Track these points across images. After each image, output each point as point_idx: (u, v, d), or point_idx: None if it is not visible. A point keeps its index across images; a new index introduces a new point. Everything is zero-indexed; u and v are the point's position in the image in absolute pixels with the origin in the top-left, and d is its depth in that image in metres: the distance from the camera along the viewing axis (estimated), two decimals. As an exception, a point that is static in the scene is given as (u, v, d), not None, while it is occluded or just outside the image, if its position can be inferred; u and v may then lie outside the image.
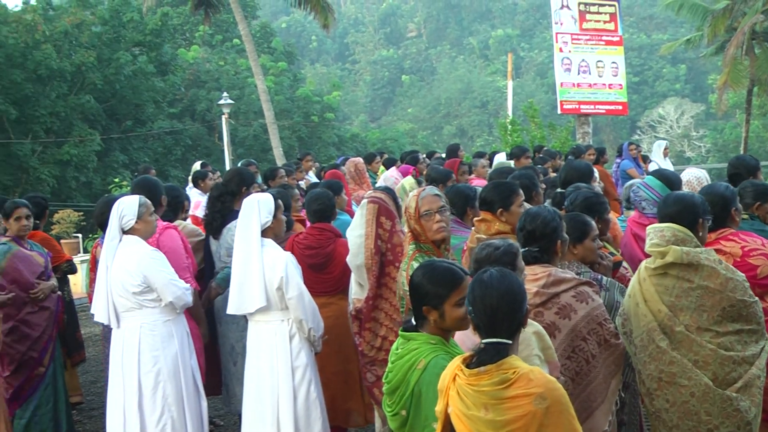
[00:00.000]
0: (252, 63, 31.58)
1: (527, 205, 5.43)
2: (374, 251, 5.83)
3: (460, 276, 3.69)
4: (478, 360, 3.22)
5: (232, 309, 5.75)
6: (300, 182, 11.63)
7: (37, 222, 8.49)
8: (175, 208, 7.23)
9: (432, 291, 3.64)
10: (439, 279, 3.66)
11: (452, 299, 3.59)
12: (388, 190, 6.26)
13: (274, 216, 5.80)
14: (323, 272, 6.51)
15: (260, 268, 5.58)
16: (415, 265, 4.95)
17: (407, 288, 4.96)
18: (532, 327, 3.85)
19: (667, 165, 15.10)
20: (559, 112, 26.07)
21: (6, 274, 7.07)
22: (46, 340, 7.27)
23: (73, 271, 9.02)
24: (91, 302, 6.42)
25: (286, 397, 5.58)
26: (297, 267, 5.75)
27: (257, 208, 5.73)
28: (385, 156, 14.64)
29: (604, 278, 4.80)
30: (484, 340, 3.24)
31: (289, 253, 5.86)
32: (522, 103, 36.97)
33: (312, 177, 12.56)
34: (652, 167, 13.67)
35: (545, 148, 14.71)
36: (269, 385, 5.61)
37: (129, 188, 20.10)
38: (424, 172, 10.81)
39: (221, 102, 34.04)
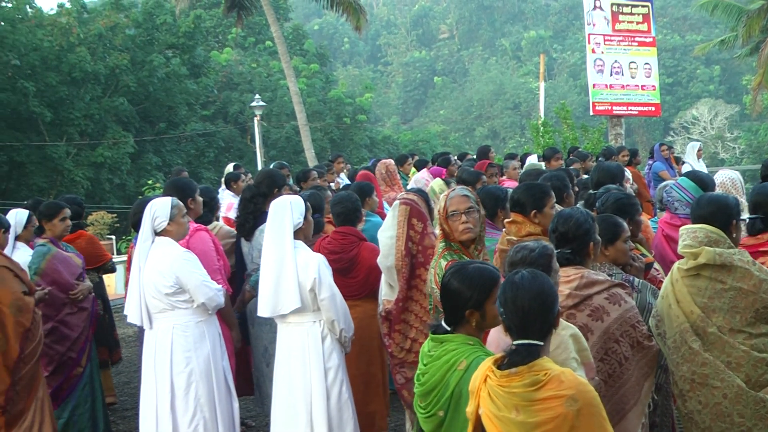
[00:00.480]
0: (284, 65, 31.67)
1: (558, 207, 5.42)
2: (404, 253, 5.82)
3: (496, 274, 3.75)
4: (509, 361, 3.22)
5: (266, 311, 5.69)
6: (331, 184, 11.65)
7: (80, 222, 8.63)
8: (212, 208, 7.30)
9: (473, 295, 3.67)
10: (477, 282, 3.69)
11: (492, 297, 3.61)
12: (420, 192, 6.26)
13: (305, 218, 5.79)
14: (348, 276, 6.47)
15: (294, 270, 5.56)
16: (443, 263, 5.00)
17: (434, 286, 5.01)
18: (569, 330, 3.85)
19: (701, 167, 14.97)
20: (591, 113, 25.91)
21: (45, 275, 7.14)
22: (83, 341, 7.34)
23: (114, 269, 9.15)
24: (127, 303, 6.48)
25: (319, 398, 5.57)
26: (328, 268, 5.75)
27: (290, 209, 5.70)
28: (417, 157, 14.63)
29: (636, 280, 4.77)
30: (516, 342, 3.24)
31: (320, 255, 5.86)
32: (554, 104, 36.81)
33: (344, 179, 12.57)
34: (685, 169, 13.57)
35: (578, 150, 14.63)
36: (302, 386, 5.61)
37: (162, 190, 20.33)
38: (455, 174, 10.80)
39: (254, 104, 34.18)
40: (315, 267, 5.58)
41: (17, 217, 7.58)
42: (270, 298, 5.64)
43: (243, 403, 6.96)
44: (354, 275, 6.48)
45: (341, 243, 6.52)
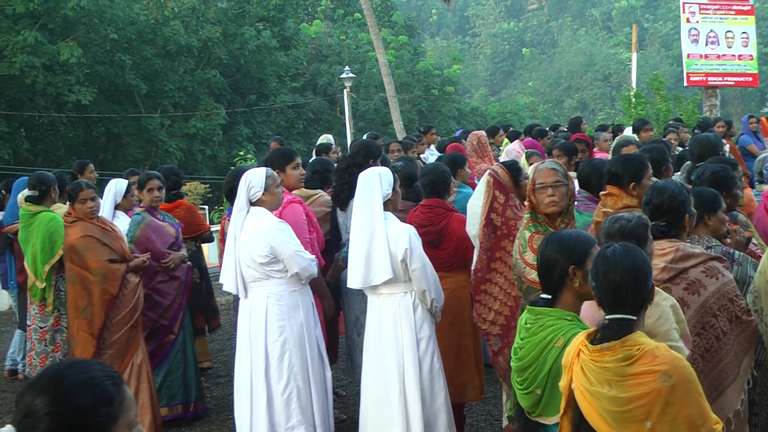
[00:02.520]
0: (373, 37, 31.71)
1: (654, 179, 5.35)
2: (484, 223, 5.83)
3: (592, 237, 3.79)
4: (602, 336, 3.19)
5: (356, 283, 5.72)
6: (421, 155, 11.63)
7: (179, 191, 8.81)
8: (325, 179, 7.40)
9: (571, 256, 3.66)
10: (573, 243, 3.70)
11: (592, 257, 3.56)
12: (508, 165, 6.21)
13: (393, 189, 5.78)
14: (438, 248, 6.43)
15: (385, 241, 5.56)
16: (527, 234, 5.07)
17: (518, 257, 5.06)
18: (669, 300, 3.80)
19: (802, 138, 14.53)
20: (685, 84, 25.43)
21: (139, 243, 7.32)
22: (176, 309, 7.50)
23: (212, 239, 9.30)
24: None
25: (411, 368, 5.59)
26: (418, 238, 5.75)
27: (378, 180, 5.71)
28: (511, 129, 14.54)
29: (737, 252, 4.68)
30: (608, 316, 3.21)
31: (410, 225, 5.87)
32: (645, 75, 36.09)
33: (434, 151, 12.52)
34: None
35: (673, 121, 14.35)
36: (394, 357, 5.62)
37: (253, 161, 20.53)
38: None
39: (343, 76, 34.26)
40: (406, 237, 5.58)
41: (117, 186, 7.81)
42: (361, 270, 5.65)
43: (334, 373, 7.04)
44: (444, 247, 6.46)
45: (429, 216, 6.50)
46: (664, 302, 3.72)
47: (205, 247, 10.65)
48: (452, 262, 6.49)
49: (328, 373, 6.13)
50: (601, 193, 5.44)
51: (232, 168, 9.10)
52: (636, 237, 3.70)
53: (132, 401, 2.16)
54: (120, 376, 2.18)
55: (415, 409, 5.56)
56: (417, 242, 5.66)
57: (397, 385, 5.58)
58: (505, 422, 6.08)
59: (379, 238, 5.58)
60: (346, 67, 35.96)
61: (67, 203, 7.34)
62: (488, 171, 6.07)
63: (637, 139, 10.55)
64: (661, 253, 4.23)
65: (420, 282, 5.60)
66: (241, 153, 25.69)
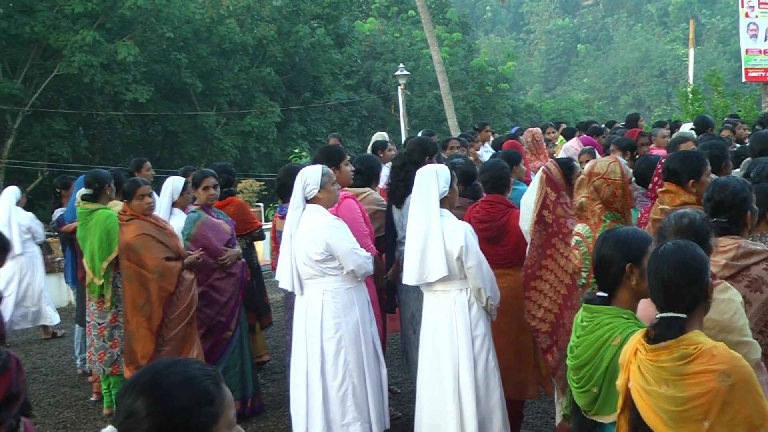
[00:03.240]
0: (427, 34, 31.73)
1: (713, 176, 5.28)
2: (536, 220, 5.80)
3: (649, 234, 3.75)
4: (656, 335, 3.15)
5: (411, 279, 5.72)
6: (477, 152, 11.59)
7: (230, 189, 8.86)
8: (370, 176, 7.40)
9: (631, 248, 3.63)
10: (633, 237, 3.69)
11: (649, 253, 3.49)
12: (562, 162, 6.17)
13: (450, 186, 5.78)
14: (498, 245, 6.42)
15: (441, 238, 5.55)
16: None
17: None
18: (739, 297, 3.74)
19: None
20: (743, 80, 25.03)
21: (195, 241, 7.38)
22: (233, 305, 7.55)
23: (263, 237, 9.34)
24: (273, 269, 6.65)
25: (466, 365, 5.58)
26: (475, 236, 5.73)
27: (435, 177, 5.70)
28: (564, 126, 14.43)
29: (802, 251, 4.60)
30: (659, 315, 3.16)
31: (466, 223, 5.85)
32: (702, 71, 35.58)
33: (488, 148, 12.46)
34: None
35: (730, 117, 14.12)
36: (449, 354, 5.62)
37: (307, 158, 20.63)
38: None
39: (397, 73, 34.29)
40: (462, 235, 5.56)
41: (174, 184, 7.87)
42: (416, 267, 5.66)
43: (389, 370, 7.04)
44: (504, 243, 6.43)
45: (490, 211, 6.48)
46: (737, 297, 3.67)
47: (258, 244, 10.69)
48: (511, 259, 6.44)
49: (384, 371, 6.15)
50: (659, 190, 5.37)
51: (287, 165, 9.15)
52: (704, 231, 3.69)
53: (232, 400, 2.13)
54: (219, 375, 2.14)
55: (469, 408, 5.55)
56: (473, 240, 5.64)
57: (451, 383, 5.58)
58: (558, 420, 6.05)
59: (435, 236, 5.57)
60: (401, 65, 35.98)
61: (123, 201, 7.43)
62: (542, 168, 6.04)
63: (695, 136, 10.42)
64: (723, 250, 4.16)
65: (475, 279, 5.59)
66: (296, 150, 25.92)
